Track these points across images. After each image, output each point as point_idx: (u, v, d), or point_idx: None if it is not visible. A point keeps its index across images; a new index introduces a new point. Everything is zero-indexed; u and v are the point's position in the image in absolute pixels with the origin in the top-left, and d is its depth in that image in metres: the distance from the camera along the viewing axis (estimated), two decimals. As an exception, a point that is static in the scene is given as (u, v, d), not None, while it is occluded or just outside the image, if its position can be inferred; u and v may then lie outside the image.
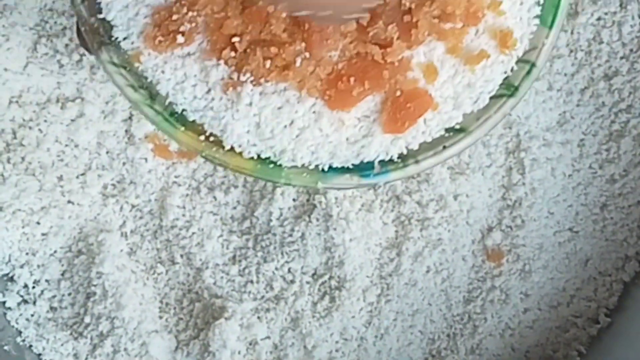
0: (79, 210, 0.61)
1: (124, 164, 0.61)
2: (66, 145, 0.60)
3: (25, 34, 0.60)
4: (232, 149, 0.43)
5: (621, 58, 0.61)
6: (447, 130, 0.44)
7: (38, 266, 0.61)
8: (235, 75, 0.42)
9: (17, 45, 0.59)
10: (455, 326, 0.61)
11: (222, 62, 0.42)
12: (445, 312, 0.61)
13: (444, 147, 0.43)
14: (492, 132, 0.60)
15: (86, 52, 0.50)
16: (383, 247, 0.61)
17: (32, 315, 0.60)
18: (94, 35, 0.43)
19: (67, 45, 0.60)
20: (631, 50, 0.60)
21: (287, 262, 0.60)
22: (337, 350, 0.61)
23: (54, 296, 0.61)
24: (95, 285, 0.59)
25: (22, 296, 0.61)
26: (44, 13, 0.60)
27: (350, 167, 0.43)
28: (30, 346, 0.60)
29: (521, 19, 0.44)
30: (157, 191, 0.61)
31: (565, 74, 0.61)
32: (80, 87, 0.60)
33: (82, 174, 0.61)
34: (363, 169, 0.43)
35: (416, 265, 0.60)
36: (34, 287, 0.61)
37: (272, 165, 0.43)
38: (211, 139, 0.43)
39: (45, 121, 0.60)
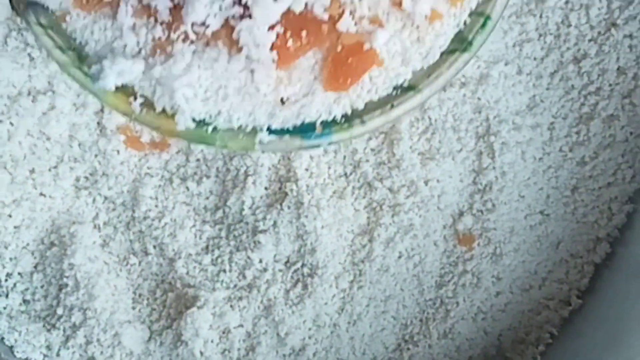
0: (51, 203, 0.61)
1: (96, 156, 0.61)
2: (38, 138, 0.60)
3: (-5, 27, 0.60)
4: (164, 111, 0.41)
5: (589, 41, 0.61)
6: (395, 88, 0.41)
7: (10, 259, 0.61)
8: (166, 34, 0.40)
9: (-13, 39, 0.59)
10: (428, 311, 0.62)
11: (152, 20, 0.40)
12: (418, 297, 0.61)
13: (392, 106, 0.41)
14: (462, 117, 0.60)
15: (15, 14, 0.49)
16: (355, 233, 0.61)
17: (5, 308, 0.61)
18: None
19: (37, 38, 0.60)
20: (599, 32, 0.60)
21: (259, 250, 0.60)
22: (310, 337, 0.61)
23: (27, 289, 0.61)
24: (67, 277, 0.59)
25: (-7, 289, 0.61)
26: (14, 7, 0.60)
27: (291, 128, 0.41)
28: (2, 338, 0.61)
29: None
30: (130, 183, 0.61)
31: (535, 58, 0.61)
32: (51, 79, 0.60)
33: (54, 167, 0.61)
34: (304, 130, 0.41)
35: (388, 251, 0.61)
36: (6, 280, 0.61)
37: (206, 128, 0.41)
38: (142, 101, 0.41)
39: (17, 114, 0.60)
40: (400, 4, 0.40)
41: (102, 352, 0.60)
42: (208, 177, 0.61)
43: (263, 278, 0.60)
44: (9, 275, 0.61)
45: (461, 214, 0.61)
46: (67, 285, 0.60)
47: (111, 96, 0.41)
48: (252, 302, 0.60)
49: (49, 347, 0.60)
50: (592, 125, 0.61)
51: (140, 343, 0.60)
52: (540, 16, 0.61)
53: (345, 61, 0.39)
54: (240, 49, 0.39)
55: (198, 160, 0.61)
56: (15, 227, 0.61)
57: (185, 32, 0.39)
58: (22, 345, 0.60)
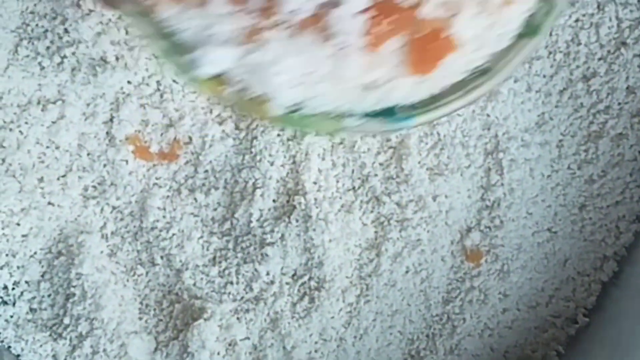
0: (59, 212, 0.61)
1: (104, 165, 0.61)
2: (47, 147, 0.60)
3: (6, 36, 0.60)
4: (256, 97, 0.41)
5: (599, 59, 0.61)
6: (470, 72, 0.42)
7: (18, 267, 0.61)
8: (259, 22, 0.40)
9: (-2, 48, 0.60)
10: (434, 326, 0.62)
11: (245, 8, 0.40)
12: (424, 312, 0.61)
13: (469, 90, 0.42)
14: (471, 133, 0.61)
15: (103, 7, 0.49)
16: (362, 247, 0.61)
17: (12, 317, 0.60)
18: None
19: (48, 47, 0.60)
20: (609, 51, 0.61)
21: (266, 263, 0.60)
22: (316, 351, 0.61)
23: (34, 297, 0.61)
24: (74, 287, 0.59)
25: (1, 297, 0.61)
26: (26, 16, 0.60)
27: (375, 113, 0.42)
28: (9, 347, 0.60)
29: None
30: (138, 193, 0.61)
31: (544, 76, 0.61)
32: (61, 89, 0.60)
33: (63, 176, 0.61)
34: (388, 114, 0.42)
35: (395, 266, 0.61)
36: (13, 289, 0.61)
37: (297, 113, 0.42)
38: (235, 88, 0.42)
39: (26, 123, 0.60)
40: None
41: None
42: (216, 188, 0.61)
43: (270, 291, 0.60)
44: (16, 283, 0.61)
45: (469, 230, 0.61)
46: (74, 294, 0.59)
47: (206, 84, 0.41)
48: (259, 315, 0.60)
49: (55, 357, 0.60)
50: (600, 144, 0.61)
51: (147, 354, 0.60)
52: (550, 34, 0.61)
53: (427, 46, 0.40)
54: (330, 36, 0.39)
55: (206, 171, 0.61)
56: (23, 236, 0.61)
57: (278, 20, 0.39)
58: (29, 354, 0.60)
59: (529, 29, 0.43)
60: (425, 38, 0.40)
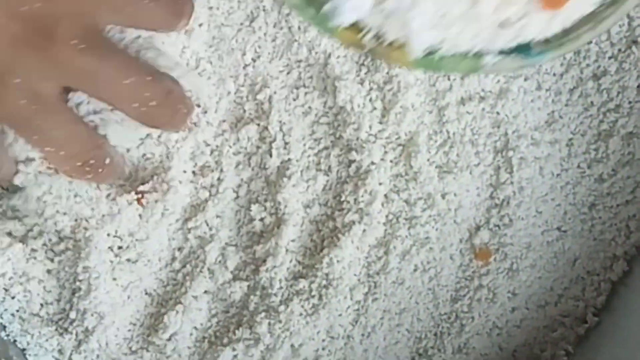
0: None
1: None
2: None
3: None
4: (393, 42, 0.41)
5: (610, 58, 0.61)
6: (599, 3, 0.42)
7: (25, 260, 0.60)
8: None
9: None
10: (443, 325, 0.61)
11: None
12: (432, 310, 0.61)
13: (599, 21, 0.42)
14: (480, 131, 0.60)
15: None
16: (371, 245, 0.60)
17: (17, 311, 0.60)
18: None
19: None
20: (619, 50, 0.60)
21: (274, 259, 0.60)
22: (323, 349, 0.60)
23: (40, 291, 0.60)
24: (80, 281, 0.59)
25: (6, 290, 0.60)
26: None
27: (510, 50, 0.42)
28: (15, 341, 0.60)
29: None
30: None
31: (554, 74, 0.61)
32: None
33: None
34: (523, 50, 0.42)
35: (404, 264, 0.60)
36: (20, 283, 0.60)
37: (433, 56, 0.41)
38: (372, 34, 0.41)
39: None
40: None
41: (113, 358, 0.59)
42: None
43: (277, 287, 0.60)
44: (22, 277, 0.60)
45: (478, 228, 0.61)
46: (80, 289, 0.59)
47: (344, 32, 0.41)
48: (268, 312, 0.60)
49: (61, 351, 0.60)
50: (610, 143, 0.61)
51: (153, 349, 0.60)
52: (561, 32, 0.61)
53: None
54: None
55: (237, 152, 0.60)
56: (29, 230, 0.60)
57: None
58: (35, 348, 0.60)
59: None
60: None
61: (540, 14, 0.41)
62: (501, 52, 0.42)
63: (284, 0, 0.42)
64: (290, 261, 0.60)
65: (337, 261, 0.59)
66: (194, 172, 0.60)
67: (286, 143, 0.60)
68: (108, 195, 0.59)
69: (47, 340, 0.60)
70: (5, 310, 0.60)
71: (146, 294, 0.61)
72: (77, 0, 0.51)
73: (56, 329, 0.60)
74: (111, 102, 0.54)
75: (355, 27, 0.41)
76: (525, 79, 0.60)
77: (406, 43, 0.41)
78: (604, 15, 0.42)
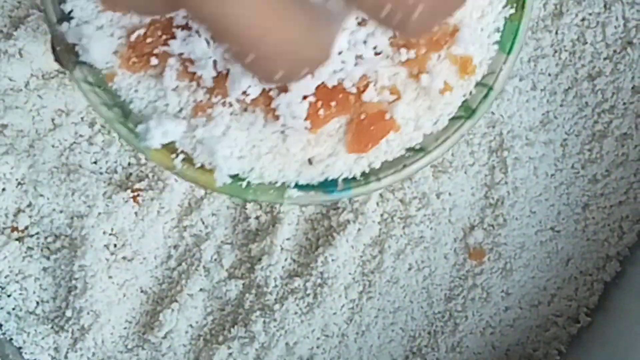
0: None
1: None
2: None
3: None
4: (202, 166, 0.44)
5: (605, 59, 0.61)
6: (407, 150, 0.45)
7: (22, 259, 0.61)
8: (208, 97, 0.43)
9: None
10: (436, 324, 0.62)
11: (194, 83, 0.43)
12: (427, 309, 0.61)
13: (404, 166, 0.45)
14: (475, 131, 0.61)
15: (60, 68, 0.50)
16: (366, 244, 0.61)
17: (14, 309, 0.60)
18: (70, 54, 0.44)
19: None
20: (614, 51, 0.61)
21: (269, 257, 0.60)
22: (318, 347, 0.61)
23: (36, 290, 0.61)
24: (77, 279, 0.59)
25: (2, 288, 0.60)
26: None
27: (315, 184, 0.45)
28: (11, 339, 0.60)
29: (481, 45, 0.45)
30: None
31: (549, 74, 0.61)
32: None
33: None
34: (327, 185, 0.44)
35: (398, 263, 0.61)
36: (16, 282, 0.61)
37: (240, 183, 0.44)
38: (182, 157, 0.44)
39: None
40: (417, 77, 0.44)
41: (109, 356, 0.60)
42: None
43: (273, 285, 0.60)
44: (18, 275, 0.61)
45: (472, 227, 0.61)
46: (76, 287, 0.59)
47: (155, 153, 0.43)
48: (264, 310, 0.60)
49: (57, 349, 0.60)
50: (605, 143, 0.61)
51: (148, 348, 0.60)
52: (556, 32, 0.61)
53: (368, 128, 0.43)
54: (275, 116, 0.42)
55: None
56: (25, 228, 0.60)
57: (226, 100, 0.42)
58: (30, 346, 0.60)
59: (465, 111, 0.45)
60: (369, 119, 0.43)
61: (346, 156, 0.44)
62: (307, 186, 0.44)
63: (103, 115, 0.44)
64: (286, 260, 0.60)
65: (332, 260, 0.59)
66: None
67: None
68: (104, 193, 0.60)
69: (43, 338, 0.60)
70: (1, 308, 0.60)
71: (142, 291, 0.61)
72: None
73: (52, 327, 0.60)
74: None
75: (167, 148, 0.43)
76: (521, 79, 0.61)
77: (214, 169, 0.43)
78: (411, 161, 0.45)
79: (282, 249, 0.60)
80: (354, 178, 0.45)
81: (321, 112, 0.42)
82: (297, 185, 0.44)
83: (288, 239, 0.60)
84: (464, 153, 0.61)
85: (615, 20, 0.60)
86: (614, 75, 0.61)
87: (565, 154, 0.61)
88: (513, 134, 0.61)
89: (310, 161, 0.44)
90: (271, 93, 0.42)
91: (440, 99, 0.44)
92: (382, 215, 0.60)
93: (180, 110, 0.43)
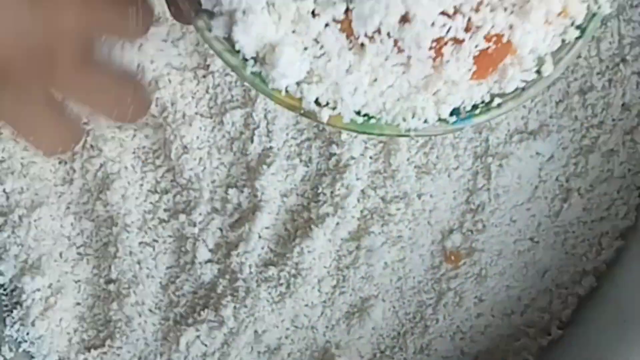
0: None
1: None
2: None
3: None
4: (327, 104, 0.42)
5: (597, 74, 0.61)
6: (523, 72, 0.43)
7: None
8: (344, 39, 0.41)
9: None
10: (407, 324, 0.61)
11: (333, 23, 0.41)
12: (398, 309, 0.61)
13: (522, 90, 0.44)
14: (462, 135, 0.60)
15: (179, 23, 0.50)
16: (343, 239, 0.61)
17: None
18: (192, 3, 0.42)
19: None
20: (607, 67, 0.61)
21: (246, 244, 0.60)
22: (286, 337, 0.61)
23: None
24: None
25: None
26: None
27: (439, 115, 0.43)
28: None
29: None
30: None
31: (541, 85, 0.61)
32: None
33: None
34: (450, 115, 0.43)
35: (373, 260, 0.60)
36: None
37: (366, 119, 0.43)
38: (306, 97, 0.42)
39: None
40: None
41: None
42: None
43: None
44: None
45: (451, 231, 0.61)
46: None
47: (279, 95, 0.42)
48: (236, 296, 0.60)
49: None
50: (591, 158, 0.61)
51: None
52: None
53: (487, 52, 0.41)
54: (398, 49, 0.40)
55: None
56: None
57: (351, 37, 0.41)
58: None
59: (577, 31, 0.44)
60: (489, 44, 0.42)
61: (468, 83, 0.42)
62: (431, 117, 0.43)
63: (224, 61, 0.43)
64: (262, 248, 0.61)
65: (308, 252, 0.59)
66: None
67: (269, 131, 0.60)
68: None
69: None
70: None
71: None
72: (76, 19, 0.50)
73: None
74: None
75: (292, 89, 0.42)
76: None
77: (338, 106, 0.42)
78: (528, 85, 0.44)
79: (260, 237, 0.60)
80: (474, 106, 0.44)
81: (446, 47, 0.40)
82: (421, 117, 0.43)
83: (267, 228, 0.61)
84: (449, 156, 0.60)
85: (610, 36, 0.60)
86: (605, 90, 0.60)
87: (550, 166, 0.61)
88: (499, 141, 0.61)
89: (434, 92, 0.42)
90: (394, 25, 0.40)
91: (556, 20, 0.42)
92: (362, 211, 0.60)
93: (305, 49, 0.41)
